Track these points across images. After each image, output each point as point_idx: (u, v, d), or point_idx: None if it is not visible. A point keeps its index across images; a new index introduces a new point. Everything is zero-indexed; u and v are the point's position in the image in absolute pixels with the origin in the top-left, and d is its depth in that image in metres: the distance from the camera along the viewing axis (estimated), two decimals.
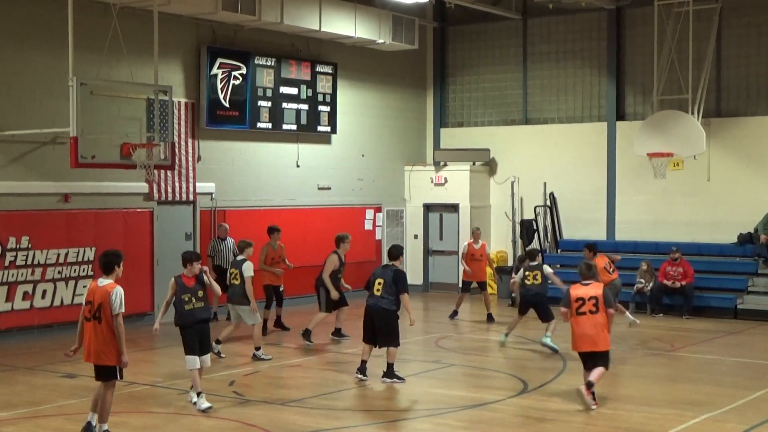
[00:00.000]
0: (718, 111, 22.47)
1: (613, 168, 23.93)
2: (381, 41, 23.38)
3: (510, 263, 23.96)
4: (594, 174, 24.19)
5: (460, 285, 21.26)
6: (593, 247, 17.89)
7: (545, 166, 24.67)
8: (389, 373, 13.62)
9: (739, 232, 21.99)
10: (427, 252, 25.73)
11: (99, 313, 9.27)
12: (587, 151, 24.28)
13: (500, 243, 25.19)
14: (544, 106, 25.06)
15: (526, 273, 16.91)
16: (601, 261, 17.39)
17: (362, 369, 13.74)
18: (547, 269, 17.17)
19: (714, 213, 22.51)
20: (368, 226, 24.31)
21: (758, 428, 11.39)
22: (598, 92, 24.22)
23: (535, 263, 17.00)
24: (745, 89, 22.35)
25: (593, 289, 12.07)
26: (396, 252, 14.23)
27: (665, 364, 16.35)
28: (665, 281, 21.25)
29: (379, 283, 13.49)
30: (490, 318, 19.76)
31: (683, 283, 21.11)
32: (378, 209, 24.77)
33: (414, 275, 24.09)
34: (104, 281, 9.34)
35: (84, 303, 9.67)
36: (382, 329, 13.58)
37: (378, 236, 24.73)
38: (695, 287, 21.20)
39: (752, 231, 21.71)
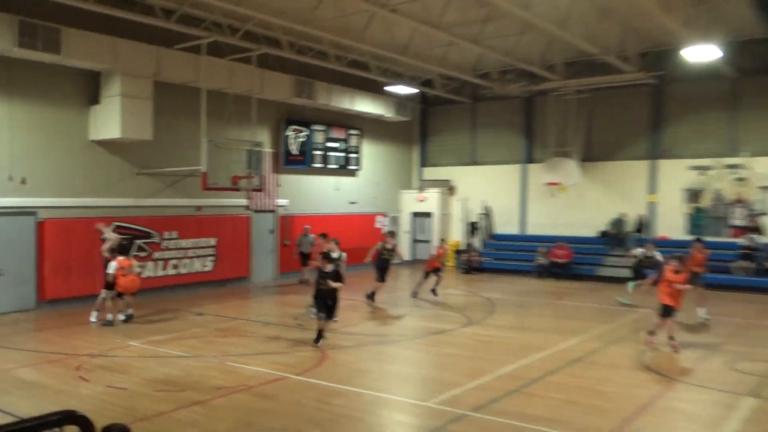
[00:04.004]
0: (588, 157, 22.64)
1: (525, 191, 24.20)
2: (388, 116, 23.91)
3: (463, 248, 24.20)
4: (513, 194, 24.45)
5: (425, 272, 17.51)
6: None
7: (484, 190, 24.94)
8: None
9: (599, 230, 22.22)
10: (414, 241, 26.01)
11: None
12: (510, 181, 24.54)
13: (458, 236, 25.41)
14: (485, 153, 25.31)
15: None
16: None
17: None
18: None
19: (585, 218, 22.64)
20: (378, 225, 24.64)
21: (610, 346, 11.68)
22: (517, 146, 24.44)
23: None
24: (605, 145, 22.57)
25: None
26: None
27: (555, 307, 16.37)
28: (554, 259, 21.57)
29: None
30: (433, 292, 16.79)
31: (565, 260, 21.45)
32: (384, 215, 25.10)
33: (406, 254, 24.36)
34: None
35: None
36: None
37: (383, 231, 25.06)
38: (572, 263, 21.43)
39: (606, 229, 21.97)
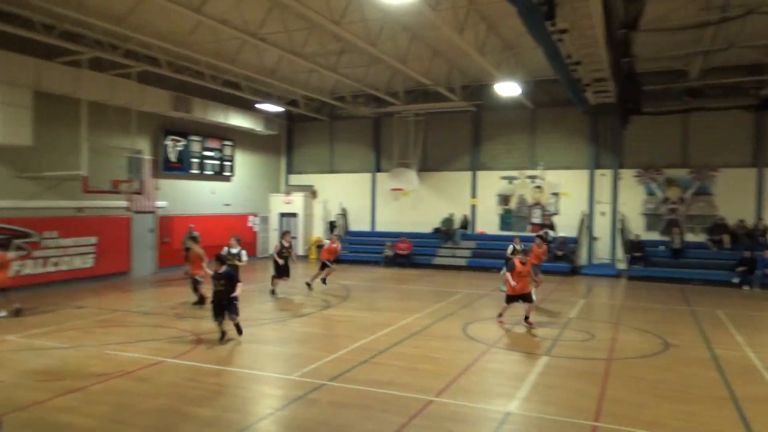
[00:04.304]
0: (424, 168, 23.40)
1: (374, 195, 24.57)
2: (259, 129, 23.19)
3: (325, 243, 24.04)
4: (365, 198, 24.71)
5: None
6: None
7: (341, 194, 25.00)
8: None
9: (433, 227, 23.03)
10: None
11: None
12: (362, 187, 24.77)
13: (319, 233, 25.30)
14: (341, 163, 25.38)
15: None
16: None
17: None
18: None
19: (422, 218, 23.25)
20: (250, 224, 23.92)
21: (442, 321, 12.12)
22: (368, 157, 24.75)
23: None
24: (438, 158, 23.46)
25: None
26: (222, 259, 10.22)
27: (398, 290, 16.50)
28: (398, 251, 22.07)
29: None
30: (323, 281, 15.96)
31: (407, 252, 22.04)
32: (255, 215, 24.39)
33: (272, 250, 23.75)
34: None
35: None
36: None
37: (255, 229, 24.40)
38: (412, 254, 21.93)
39: (439, 226, 22.84)
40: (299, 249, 24.84)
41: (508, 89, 17.84)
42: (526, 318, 11.42)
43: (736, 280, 17.24)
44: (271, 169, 25.93)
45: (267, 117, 23.36)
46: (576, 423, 6.47)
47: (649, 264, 19.08)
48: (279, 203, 25.37)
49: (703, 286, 17.35)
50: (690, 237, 19.58)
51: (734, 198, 19.13)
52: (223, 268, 9.98)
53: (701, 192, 19.60)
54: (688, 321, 12.24)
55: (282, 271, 14.76)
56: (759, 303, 14.91)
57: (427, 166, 23.45)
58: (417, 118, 22.92)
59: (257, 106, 21.69)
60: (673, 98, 18.28)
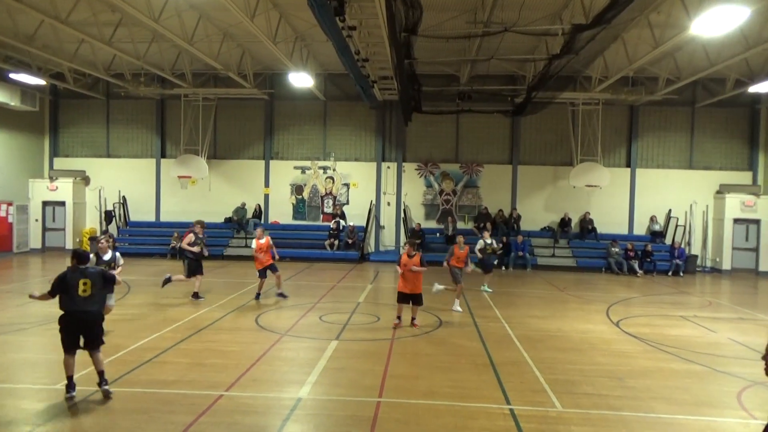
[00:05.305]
0: (215, 155, 22.56)
1: (159, 183, 22.93)
2: (13, 104, 19.85)
3: (98, 235, 21.72)
4: (149, 185, 22.99)
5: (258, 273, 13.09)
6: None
7: (120, 180, 22.85)
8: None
9: (225, 216, 22.25)
10: (45, 229, 22.26)
11: None
12: (145, 174, 22.96)
13: (92, 223, 22.75)
14: (120, 147, 23.13)
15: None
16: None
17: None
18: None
19: (212, 207, 22.36)
20: (3, 214, 20.50)
21: (233, 313, 11.68)
22: (152, 142, 22.92)
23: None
24: (229, 145, 22.72)
25: None
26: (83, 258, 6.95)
27: (185, 284, 14.72)
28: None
29: (85, 284, 6.72)
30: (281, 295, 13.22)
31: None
32: (10, 204, 20.94)
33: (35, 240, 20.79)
34: None
35: None
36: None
37: (10, 220, 20.99)
38: None
39: (230, 216, 22.14)
40: (68, 242, 22.05)
41: (300, 80, 18.02)
42: (413, 320, 10.69)
43: (494, 261, 19.82)
44: (31, 150, 22.54)
45: (24, 90, 20.16)
46: (362, 401, 6.86)
47: (427, 249, 20.99)
48: (42, 190, 22.16)
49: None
50: (460, 225, 22.05)
51: (495, 190, 22.04)
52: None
53: (470, 185, 22.17)
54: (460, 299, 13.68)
55: (199, 267, 12.82)
56: (513, 281, 17.42)
57: (217, 153, 22.62)
58: (207, 103, 21.91)
59: (11, 76, 18.58)
60: (448, 100, 20.37)
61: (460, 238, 12.86)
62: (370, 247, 22.13)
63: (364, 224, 21.94)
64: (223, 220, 22.23)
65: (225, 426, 6.09)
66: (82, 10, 13.88)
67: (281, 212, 22.57)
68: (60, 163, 23.20)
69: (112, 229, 22.15)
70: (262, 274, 12.84)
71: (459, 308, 12.19)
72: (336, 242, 21.09)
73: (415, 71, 16.76)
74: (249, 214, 22.24)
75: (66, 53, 17.31)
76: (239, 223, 21.91)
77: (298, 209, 22.62)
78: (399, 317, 10.70)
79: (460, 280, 12.40)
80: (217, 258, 20.74)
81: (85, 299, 6.68)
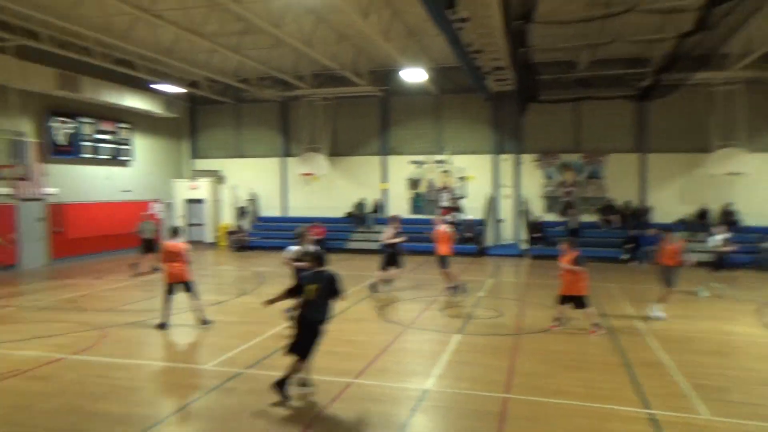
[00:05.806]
0: (334, 153, 23.31)
1: (285, 180, 24.19)
2: (158, 112, 22.06)
3: (234, 229, 23.45)
4: (275, 183, 24.29)
5: None
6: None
7: (251, 179, 24.40)
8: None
9: (345, 212, 23.04)
10: (189, 224, 24.43)
11: None
12: (272, 172, 24.32)
13: (228, 219, 24.53)
14: (249, 148, 24.71)
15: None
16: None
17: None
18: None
19: (334, 202, 23.23)
20: (155, 211, 22.78)
21: (358, 305, 12.08)
22: (277, 142, 24.28)
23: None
24: (347, 143, 23.43)
25: None
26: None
27: None
28: (313, 236, 21.85)
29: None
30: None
31: (320, 237, 21.82)
32: (158, 202, 23.21)
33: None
34: None
35: None
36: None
37: (160, 216, 23.28)
38: (326, 239, 21.75)
39: (351, 211, 22.80)
40: (208, 236, 24.05)
41: (413, 75, 18.12)
42: (556, 320, 10.00)
43: (624, 256, 18.76)
44: (174, 153, 24.75)
45: (167, 99, 22.23)
46: (489, 396, 6.81)
47: (549, 244, 20.25)
48: (184, 189, 24.31)
49: (596, 263, 18.68)
50: (584, 217, 21.04)
51: (621, 181, 20.77)
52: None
53: (593, 176, 21.08)
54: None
55: (394, 259, 12.97)
56: (645, 277, 16.34)
57: (337, 150, 23.38)
58: (325, 103, 22.75)
59: (154, 86, 20.56)
60: (566, 87, 19.48)
61: (667, 233, 11.10)
62: (489, 240, 21.82)
63: (482, 218, 21.67)
64: (344, 215, 22.98)
65: (356, 413, 6.34)
66: (212, 21, 15.00)
67: (399, 207, 22.88)
68: (199, 164, 25.29)
69: (245, 224, 23.81)
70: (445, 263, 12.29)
71: (660, 313, 10.68)
72: (456, 236, 20.98)
73: (531, 60, 16.23)
74: (368, 209, 22.79)
75: (200, 63, 18.82)
76: (359, 218, 22.53)
77: (416, 203, 22.84)
78: (557, 318, 9.96)
79: (672, 282, 10.85)
80: (339, 251, 21.47)
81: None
